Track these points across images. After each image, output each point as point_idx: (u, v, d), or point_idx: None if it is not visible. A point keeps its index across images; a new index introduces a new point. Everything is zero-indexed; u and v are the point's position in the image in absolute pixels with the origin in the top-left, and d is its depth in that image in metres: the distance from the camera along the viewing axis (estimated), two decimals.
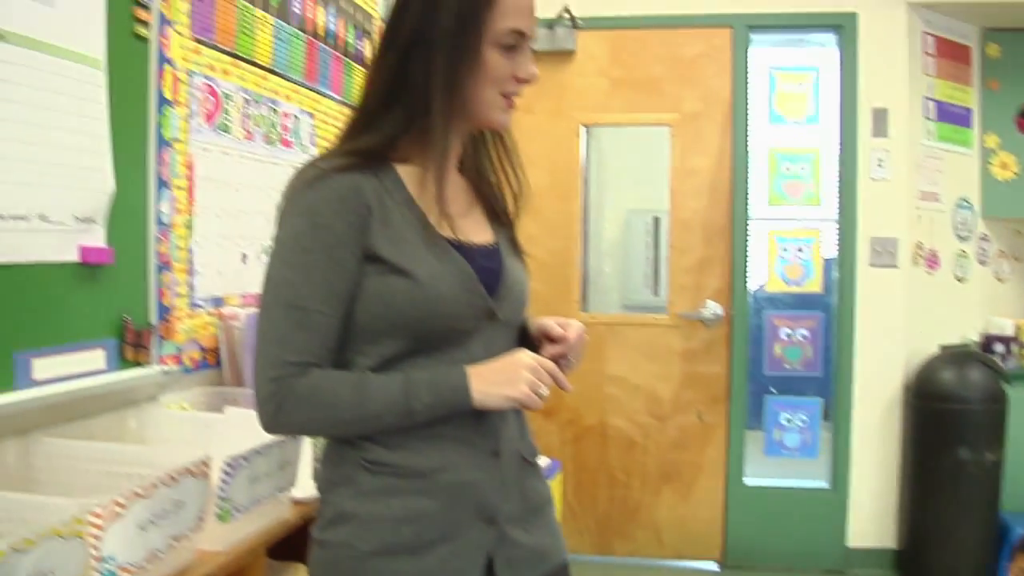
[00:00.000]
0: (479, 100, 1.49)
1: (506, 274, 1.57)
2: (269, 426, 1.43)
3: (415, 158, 1.51)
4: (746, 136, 4.39)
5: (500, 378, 1.43)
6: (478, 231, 1.58)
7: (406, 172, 1.51)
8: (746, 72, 4.39)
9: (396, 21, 1.50)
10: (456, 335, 1.47)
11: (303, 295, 1.40)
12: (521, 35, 1.49)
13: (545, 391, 1.46)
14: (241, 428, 2.11)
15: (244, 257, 2.60)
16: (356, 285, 1.43)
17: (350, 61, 3.30)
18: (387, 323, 1.43)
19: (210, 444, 2.09)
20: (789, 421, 4.47)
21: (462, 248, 1.51)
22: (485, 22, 1.45)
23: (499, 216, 1.65)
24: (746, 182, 4.39)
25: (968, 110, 4.64)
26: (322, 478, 1.53)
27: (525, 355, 1.46)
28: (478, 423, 1.48)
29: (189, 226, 2.36)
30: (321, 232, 1.40)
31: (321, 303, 1.40)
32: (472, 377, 1.43)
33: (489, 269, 1.54)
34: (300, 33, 2.92)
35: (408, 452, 1.44)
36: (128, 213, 2.11)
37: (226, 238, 2.52)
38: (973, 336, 4.54)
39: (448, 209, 1.49)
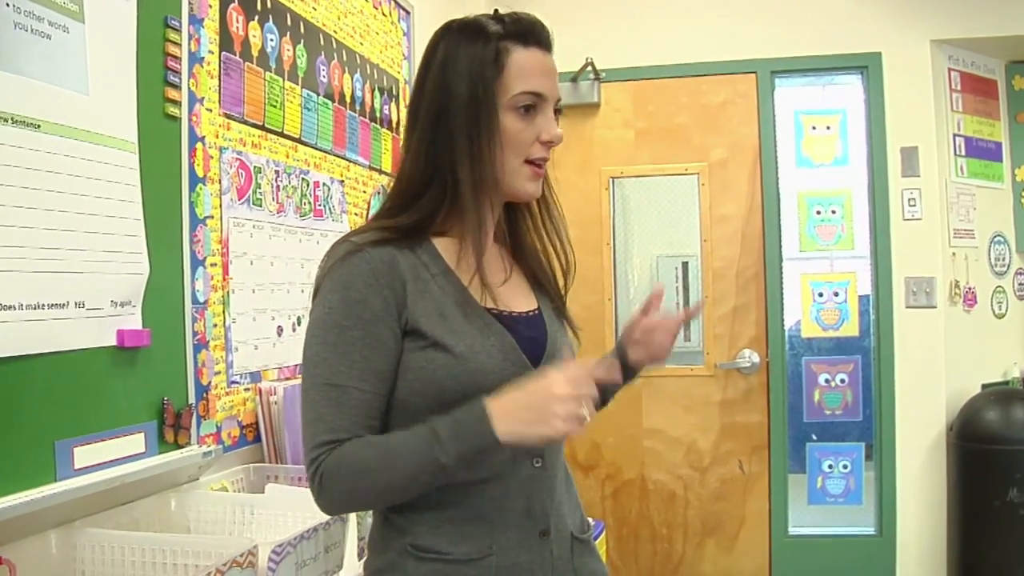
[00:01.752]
0: (503, 169, 1.47)
1: (550, 342, 1.54)
2: (319, 506, 1.41)
3: (452, 230, 1.50)
4: (776, 181, 4.36)
5: (531, 416, 1.31)
6: (519, 300, 1.56)
7: (443, 244, 1.50)
8: (773, 117, 4.37)
9: (416, 100, 1.50)
10: None
11: (340, 373, 1.37)
12: (538, 96, 1.47)
13: (586, 412, 1.31)
14: (282, 507, 2.09)
15: (280, 330, 2.58)
16: (396, 361, 1.41)
17: (377, 126, 3.30)
18: (430, 399, 1.40)
19: (252, 526, 2.07)
20: (832, 468, 4.39)
21: (503, 318, 1.48)
22: (496, 88, 1.44)
23: (541, 283, 1.63)
24: (778, 227, 4.35)
25: (998, 144, 4.59)
26: (369, 566, 1.50)
27: (553, 382, 1.32)
28: (526, 503, 1.45)
29: (224, 302, 2.35)
30: (356, 308, 1.38)
31: (359, 380, 1.38)
32: (497, 418, 1.31)
33: (532, 338, 1.51)
34: (328, 102, 2.92)
35: (455, 536, 1.41)
36: (164, 293, 2.10)
37: (261, 312, 2.50)
38: (1015, 372, 4.46)
39: (487, 279, 1.47)
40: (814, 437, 4.42)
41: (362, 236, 1.45)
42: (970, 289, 4.39)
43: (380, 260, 1.41)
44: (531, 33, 1.48)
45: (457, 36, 1.48)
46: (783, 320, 4.36)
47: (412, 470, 1.33)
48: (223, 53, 2.38)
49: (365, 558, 1.53)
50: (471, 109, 1.43)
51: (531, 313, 1.56)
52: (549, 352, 1.52)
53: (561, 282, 1.64)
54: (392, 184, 1.56)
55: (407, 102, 1.55)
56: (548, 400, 1.30)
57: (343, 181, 3.00)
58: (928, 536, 4.25)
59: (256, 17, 2.53)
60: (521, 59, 1.46)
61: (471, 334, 1.42)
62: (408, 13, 3.59)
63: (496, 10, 1.51)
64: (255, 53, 2.52)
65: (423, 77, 1.50)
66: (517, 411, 1.32)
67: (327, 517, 1.88)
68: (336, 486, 1.36)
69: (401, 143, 1.56)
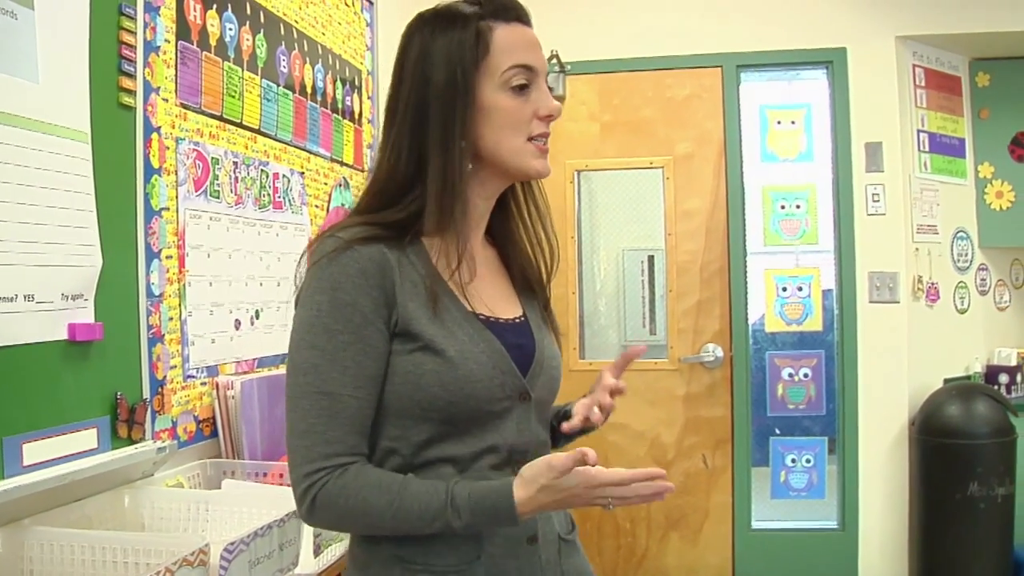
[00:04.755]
0: (507, 151, 1.43)
1: (538, 351, 1.49)
2: (306, 521, 1.37)
3: (438, 231, 1.43)
4: (741, 175, 4.36)
5: (556, 504, 1.32)
6: (505, 305, 1.51)
7: (431, 245, 1.43)
8: (738, 111, 4.37)
9: (394, 97, 1.44)
10: (488, 417, 1.39)
11: (332, 380, 1.32)
12: (529, 70, 1.43)
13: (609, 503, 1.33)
14: (239, 503, 2.06)
15: (238, 323, 2.54)
16: (386, 364, 1.35)
17: (339, 117, 3.26)
18: (416, 405, 1.35)
19: (208, 523, 2.04)
20: (794, 462, 4.41)
21: (491, 324, 1.44)
22: (481, 69, 1.40)
23: (530, 286, 1.58)
24: (742, 222, 4.36)
25: (961, 140, 4.63)
26: None
27: (575, 494, 1.31)
28: None
29: (180, 295, 2.31)
30: (346, 311, 1.32)
31: (352, 387, 1.32)
32: (522, 505, 1.30)
33: (520, 345, 1.46)
34: (288, 92, 2.88)
35: (443, 547, 1.36)
36: (117, 286, 2.06)
37: (219, 305, 2.46)
38: (977, 367, 4.50)
39: (475, 283, 1.44)
40: (777, 431, 4.43)
41: (349, 232, 1.37)
42: (933, 284, 4.42)
43: (369, 259, 1.34)
44: (510, 8, 1.44)
45: (432, 25, 1.42)
46: (747, 314, 4.36)
47: (419, 525, 1.31)
48: (180, 42, 2.34)
49: (345, 572, 1.48)
50: (447, 95, 1.38)
51: (517, 320, 1.51)
52: (538, 360, 1.47)
53: (545, 274, 1.60)
54: (367, 183, 1.49)
55: (387, 101, 1.48)
56: (572, 498, 1.31)
57: (303, 173, 2.97)
58: (890, 530, 4.28)
59: (214, 6, 2.49)
60: (505, 35, 1.42)
61: (460, 339, 1.37)
62: (371, 3, 3.55)
63: None
64: (213, 42, 2.48)
65: (399, 73, 1.44)
66: (542, 502, 1.31)
67: (282, 514, 1.85)
68: (331, 513, 1.32)
69: (379, 143, 1.50)
